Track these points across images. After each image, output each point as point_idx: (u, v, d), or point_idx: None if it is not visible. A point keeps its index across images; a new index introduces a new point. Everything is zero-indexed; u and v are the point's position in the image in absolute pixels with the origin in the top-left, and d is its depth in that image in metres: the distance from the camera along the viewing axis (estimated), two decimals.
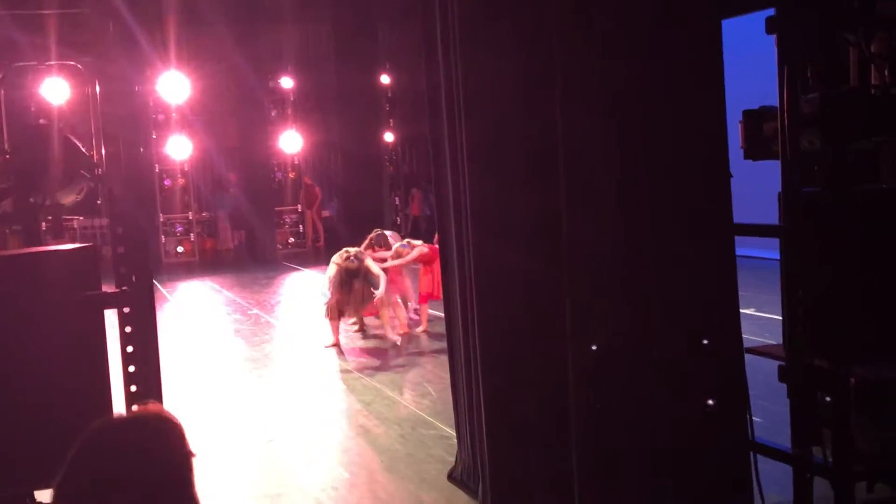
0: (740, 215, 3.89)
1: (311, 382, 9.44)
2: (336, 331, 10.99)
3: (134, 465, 1.80)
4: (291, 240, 24.54)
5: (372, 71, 24.19)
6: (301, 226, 24.83)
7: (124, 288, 3.28)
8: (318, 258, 21.91)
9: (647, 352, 3.95)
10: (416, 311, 11.98)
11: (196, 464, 1.89)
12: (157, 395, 3.30)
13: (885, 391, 4.06)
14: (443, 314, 11.48)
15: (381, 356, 10.48)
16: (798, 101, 3.66)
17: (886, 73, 3.90)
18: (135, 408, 3.24)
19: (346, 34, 23.91)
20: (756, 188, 4.79)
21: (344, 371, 9.88)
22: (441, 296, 10.83)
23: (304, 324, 13.20)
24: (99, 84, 3.25)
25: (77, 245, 3.49)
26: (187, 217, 23.33)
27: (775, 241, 5.59)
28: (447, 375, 7.51)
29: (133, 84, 3.29)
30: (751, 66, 5.62)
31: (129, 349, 3.30)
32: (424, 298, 11.64)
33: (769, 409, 3.95)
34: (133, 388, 3.30)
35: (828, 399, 3.63)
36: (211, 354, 10.80)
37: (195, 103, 21.24)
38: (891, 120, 3.79)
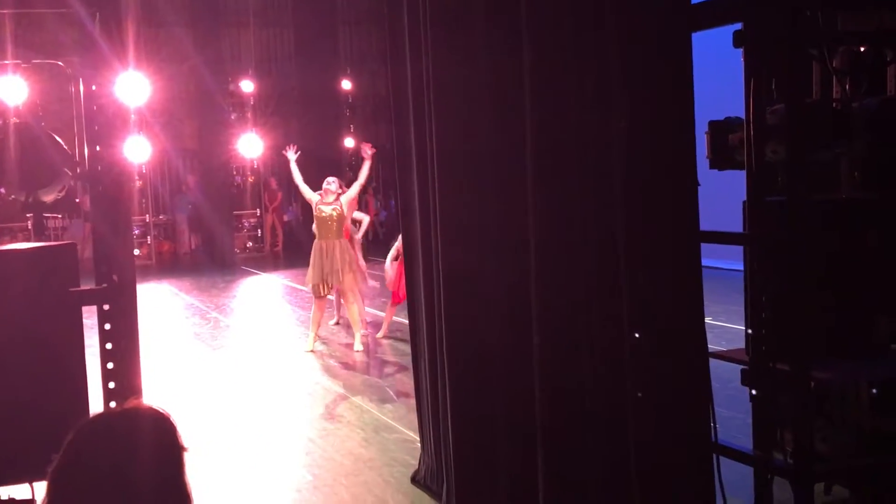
0: (705, 223, 3.98)
1: (272, 386, 9.43)
2: (317, 326, 11.01)
3: (126, 456, 1.83)
4: (250, 244, 24.46)
5: (333, 75, 24.21)
6: (259, 230, 24.76)
7: (104, 285, 3.30)
8: (276, 263, 21.86)
9: (615, 356, 4.02)
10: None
11: (188, 458, 1.92)
12: (137, 393, 3.31)
13: (844, 394, 4.19)
14: (401, 320, 11.56)
15: (343, 361, 10.49)
16: (763, 112, 3.76)
17: (847, 86, 4.03)
18: (113, 404, 3.26)
19: (307, 38, 23.91)
20: (721, 197, 4.90)
21: (305, 375, 9.88)
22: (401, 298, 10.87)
23: (263, 328, 13.17)
24: (84, 83, 3.27)
25: (58, 243, 3.50)
26: (144, 220, 23.15)
27: (729, 252, 5.71)
28: (409, 380, 7.56)
29: (115, 83, 3.33)
30: (717, 77, 5.75)
31: (108, 346, 3.31)
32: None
33: (723, 414, 4.05)
34: (111, 385, 3.31)
35: (789, 402, 3.73)
36: (170, 358, 10.73)
37: (154, 105, 21.06)
38: (850, 132, 3.91)
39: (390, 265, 11.32)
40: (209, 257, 22.23)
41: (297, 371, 10.10)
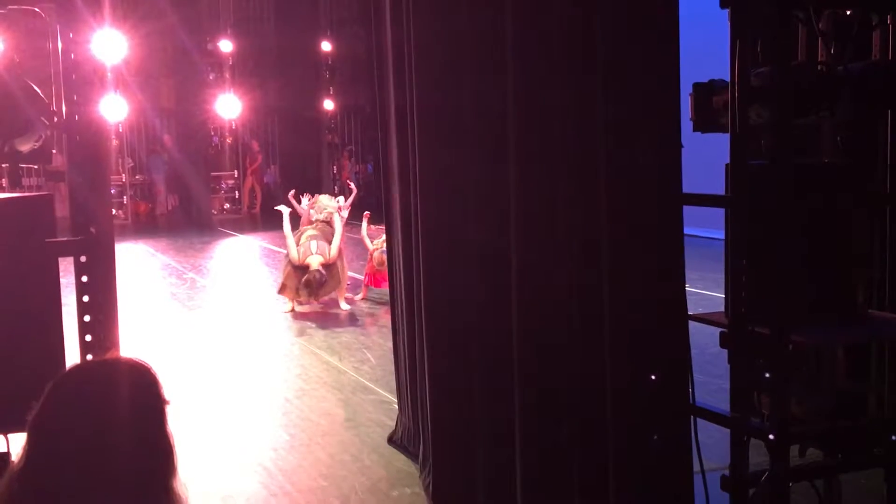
0: (688, 186, 3.97)
1: (248, 346, 9.41)
2: (294, 290, 11.07)
3: (107, 406, 1.81)
4: (227, 205, 24.33)
5: (312, 36, 24.01)
6: (237, 191, 24.63)
7: (81, 237, 3.25)
8: (254, 225, 21.77)
9: (594, 316, 4.02)
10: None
11: (170, 411, 1.90)
12: (115, 346, 3.28)
13: (819, 357, 4.21)
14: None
15: (321, 322, 10.48)
16: (748, 75, 3.73)
17: (833, 50, 4.01)
18: (90, 357, 3.22)
19: None
20: (704, 160, 4.89)
21: (282, 336, 9.87)
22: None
23: (240, 289, 13.13)
24: (60, 30, 3.20)
25: (34, 193, 3.45)
26: (121, 180, 22.97)
27: (708, 220, 5.69)
28: (386, 342, 7.57)
29: (93, 32, 3.27)
30: (703, 39, 5.72)
31: (85, 298, 3.27)
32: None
33: (699, 379, 4.06)
34: (88, 338, 3.27)
35: (766, 365, 3.75)
36: (146, 318, 10.68)
37: (130, 63, 20.82)
38: (835, 96, 3.90)
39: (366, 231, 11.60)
40: (186, 218, 22.11)
41: (274, 332, 10.08)
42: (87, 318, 3.28)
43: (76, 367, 1.93)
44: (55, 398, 1.80)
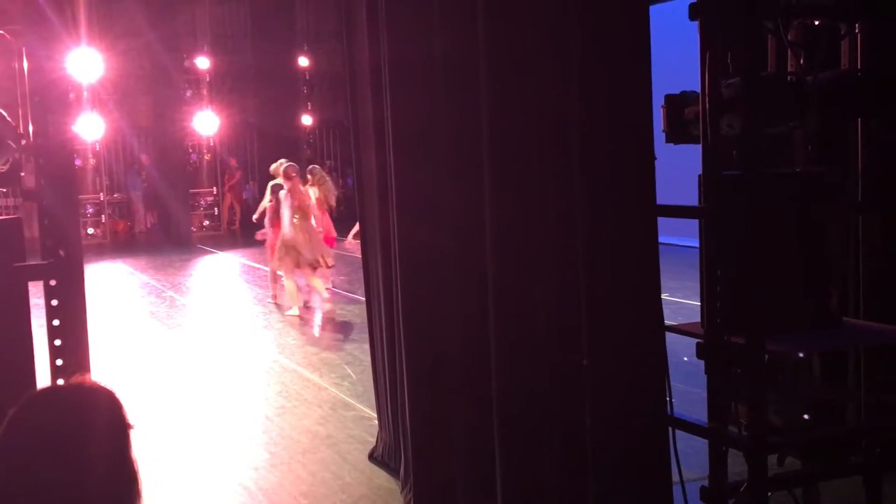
0: (661, 197, 3.97)
1: (228, 364, 9.36)
2: (296, 294, 11.41)
3: (70, 431, 1.78)
4: (206, 222, 24.24)
5: (290, 52, 24.01)
6: (216, 208, 24.55)
7: (51, 260, 3.22)
8: (233, 241, 21.68)
9: (571, 329, 4.01)
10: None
11: (134, 436, 1.87)
12: (86, 370, 3.25)
13: (795, 367, 4.23)
14: (356, 296, 11.58)
15: (300, 339, 10.44)
16: (719, 86, 3.76)
17: (802, 60, 4.04)
18: (60, 381, 3.19)
19: (264, 14, 23.67)
20: (677, 171, 4.90)
21: (263, 353, 9.82)
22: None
23: (220, 307, 13.06)
24: (27, 52, 3.17)
25: (2, 217, 3.41)
26: (98, 198, 22.86)
27: (686, 229, 5.71)
28: (367, 358, 7.52)
29: (62, 53, 3.24)
30: (673, 51, 5.74)
31: (56, 322, 3.23)
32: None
33: (679, 388, 4.06)
34: (59, 362, 3.24)
35: (743, 374, 3.76)
36: (125, 337, 10.61)
37: (107, 81, 20.73)
38: (804, 105, 3.92)
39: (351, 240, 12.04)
40: (165, 236, 22.01)
41: (254, 349, 10.03)
42: (57, 343, 3.24)
43: (38, 392, 1.90)
44: (17, 423, 1.76)
